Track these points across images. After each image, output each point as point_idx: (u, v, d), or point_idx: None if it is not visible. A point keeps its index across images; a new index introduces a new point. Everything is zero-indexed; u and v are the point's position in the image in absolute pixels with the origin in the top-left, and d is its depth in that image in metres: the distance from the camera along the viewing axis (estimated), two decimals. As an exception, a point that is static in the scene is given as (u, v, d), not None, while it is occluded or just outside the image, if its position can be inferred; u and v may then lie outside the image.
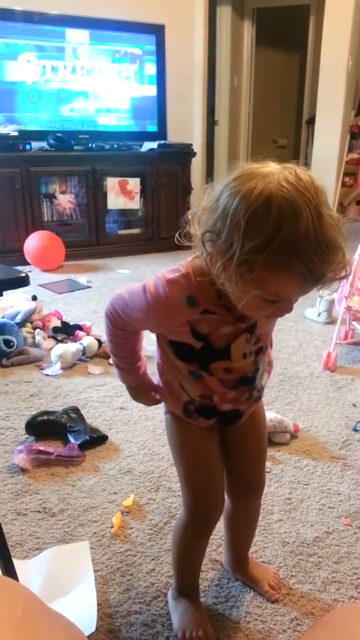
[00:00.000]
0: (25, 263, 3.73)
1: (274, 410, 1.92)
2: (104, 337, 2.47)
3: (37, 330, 2.52)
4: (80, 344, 2.39)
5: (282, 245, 0.67)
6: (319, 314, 2.88)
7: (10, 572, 1.13)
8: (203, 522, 1.06)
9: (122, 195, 4.22)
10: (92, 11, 4.08)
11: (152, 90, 4.46)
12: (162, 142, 4.35)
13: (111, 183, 4.15)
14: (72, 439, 1.73)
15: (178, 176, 4.42)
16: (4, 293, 1.24)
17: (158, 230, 4.42)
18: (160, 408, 1.05)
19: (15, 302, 2.71)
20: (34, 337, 2.50)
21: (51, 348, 2.40)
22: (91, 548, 1.33)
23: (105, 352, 2.38)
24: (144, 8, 4.32)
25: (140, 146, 4.36)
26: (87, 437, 1.73)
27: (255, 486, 1.12)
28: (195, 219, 0.79)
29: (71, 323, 2.64)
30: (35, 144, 3.91)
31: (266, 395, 2.08)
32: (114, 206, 4.24)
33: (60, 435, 1.77)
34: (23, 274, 1.20)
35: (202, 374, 0.92)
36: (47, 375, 2.24)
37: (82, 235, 4.19)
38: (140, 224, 4.43)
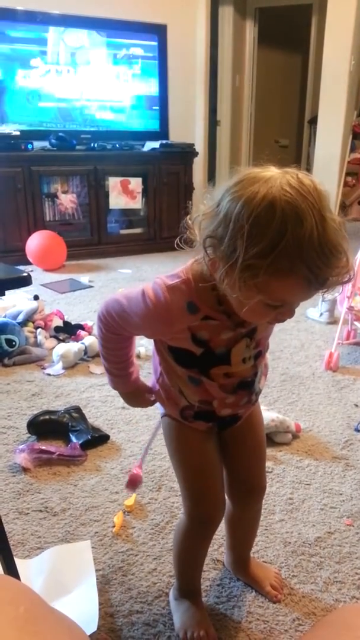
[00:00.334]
0: (27, 263, 3.73)
1: (275, 410, 1.92)
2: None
3: (39, 329, 2.52)
4: (82, 343, 2.39)
5: (287, 250, 0.67)
6: (321, 314, 2.88)
7: (12, 571, 1.13)
8: (204, 525, 1.06)
9: (124, 195, 4.22)
10: (95, 11, 4.08)
11: (154, 90, 4.46)
12: (164, 141, 4.35)
13: (113, 183, 4.16)
14: (73, 439, 1.73)
15: (180, 176, 4.42)
16: (6, 292, 1.25)
17: (160, 230, 4.42)
18: (160, 407, 1.05)
19: (17, 302, 2.71)
20: (35, 337, 2.50)
21: (53, 347, 2.40)
22: (93, 547, 1.33)
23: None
24: (146, 8, 4.32)
25: (142, 146, 4.36)
26: (89, 437, 1.73)
27: (256, 489, 1.12)
28: (195, 224, 0.78)
29: (73, 323, 2.64)
30: (37, 144, 3.91)
31: (268, 395, 2.08)
32: (115, 206, 4.24)
33: (62, 434, 1.77)
34: (25, 274, 1.20)
35: (202, 379, 0.91)
36: (49, 374, 2.25)
37: (84, 235, 4.19)
38: (142, 224, 4.43)
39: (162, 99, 4.50)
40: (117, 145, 4.16)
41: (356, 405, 2.04)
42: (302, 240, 0.66)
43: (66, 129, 4.13)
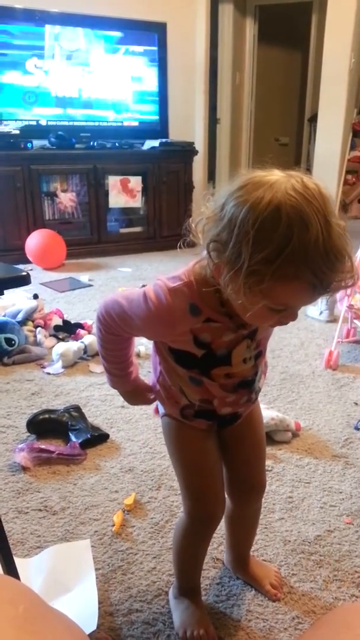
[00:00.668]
0: (27, 261, 3.73)
1: (275, 409, 1.92)
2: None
3: (39, 328, 2.52)
4: (82, 342, 2.39)
5: (293, 256, 0.66)
6: (321, 312, 2.88)
7: (12, 571, 1.13)
8: (204, 524, 1.06)
9: (123, 193, 4.21)
10: (94, 9, 4.07)
11: (153, 88, 4.45)
12: (164, 140, 4.35)
13: (113, 181, 4.15)
14: (73, 438, 1.73)
15: (180, 174, 4.41)
16: (5, 292, 1.24)
17: (159, 228, 4.42)
18: (159, 407, 1.05)
19: (16, 301, 2.71)
20: (35, 336, 2.50)
21: (52, 346, 2.40)
22: (92, 546, 1.33)
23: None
24: (146, 6, 4.32)
25: (142, 144, 4.35)
26: (89, 436, 1.73)
27: (256, 487, 1.12)
28: (199, 227, 0.77)
29: (72, 321, 2.64)
30: (37, 142, 3.91)
31: (268, 394, 2.08)
32: (115, 204, 4.24)
33: (62, 433, 1.77)
34: (24, 273, 1.20)
35: (202, 379, 0.91)
36: (49, 373, 2.25)
37: (84, 233, 4.19)
38: (141, 223, 4.43)
39: (162, 97, 4.50)
40: (117, 144, 4.16)
41: (356, 404, 2.04)
42: (307, 245, 0.66)
43: (66, 127, 4.12)
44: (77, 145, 4.04)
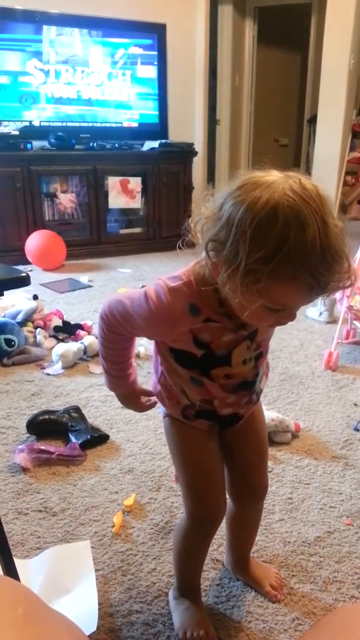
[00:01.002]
0: (27, 262, 3.73)
1: (275, 410, 1.92)
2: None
3: (38, 329, 2.52)
4: (82, 343, 2.39)
5: (289, 256, 0.67)
6: (321, 313, 2.88)
7: (12, 572, 1.13)
8: (204, 524, 1.06)
9: (123, 194, 4.22)
10: (94, 10, 4.08)
11: (153, 89, 4.46)
12: (163, 141, 4.35)
13: (112, 182, 4.15)
14: (73, 439, 1.73)
15: (179, 175, 4.42)
16: (5, 292, 1.25)
17: (159, 229, 4.42)
18: (160, 408, 1.05)
19: (16, 302, 2.71)
20: (35, 337, 2.50)
21: (52, 347, 2.40)
22: (92, 547, 1.33)
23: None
24: (145, 7, 4.32)
25: (142, 145, 4.36)
26: (88, 437, 1.73)
27: (258, 488, 1.12)
28: (198, 227, 0.78)
29: (72, 322, 2.64)
30: (37, 143, 3.91)
31: (267, 395, 2.07)
32: (115, 205, 4.24)
33: (62, 434, 1.77)
34: (24, 274, 1.20)
35: (203, 380, 0.92)
36: (48, 374, 2.24)
37: (83, 234, 4.19)
38: (141, 224, 4.43)
39: (162, 98, 4.50)
40: (117, 145, 4.16)
41: (355, 405, 2.04)
42: (304, 246, 0.67)
43: (65, 128, 4.12)
44: (76, 146, 4.04)
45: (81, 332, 2.52)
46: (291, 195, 0.68)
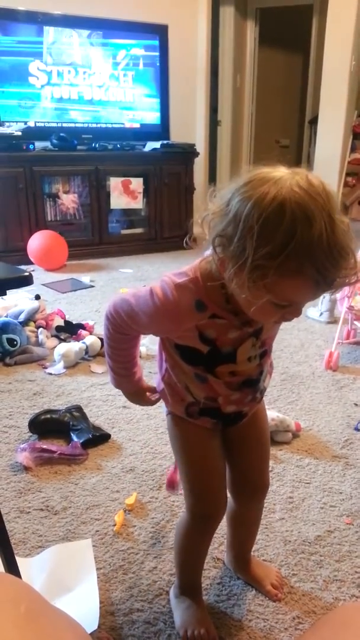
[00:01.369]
0: (29, 262, 3.74)
1: (275, 410, 1.92)
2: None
3: (41, 329, 2.53)
4: (83, 342, 2.39)
5: (296, 252, 0.67)
6: (321, 314, 2.88)
7: (14, 570, 1.13)
8: (205, 522, 1.07)
9: (125, 195, 4.22)
10: (96, 11, 4.09)
11: (155, 90, 4.46)
12: (165, 142, 4.36)
13: (114, 183, 4.16)
14: (75, 438, 1.73)
15: (181, 176, 4.42)
16: (8, 292, 1.25)
17: (161, 230, 4.43)
18: (163, 407, 1.05)
19: (18, 301, 2.72)
20: (37, 336, 2.50)
21: (54, 347, 2.41)
22: (94, 546, 1.33)
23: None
24: (147, 8, 4.33)
25: (143, 146, 4.36)
26: (90, 436, 1.74)
27: (259, 487, 1.13)
28: (205, 222, 0.78)
29: (74, 322, 2.65)
30: (39, 144, 3.92)
31: (268, 395, 2.08)
32: (116, 206, 4.25)
33: (63, 433, 1.78)
34: (26, 273, 1.21)
35: (207, 377, 0.92)
36: (50, 374, 2.25)
37: (85, 234, 4.20)
38: (143, 224, 4.44)
39: (163, 99, 4.51)
40: (118, 146, 4.16)
41: (356, 405, 2.04)
42: (311, 241, 0.67)
43: (67, 128, 4.13)
44: (78, 147, 4.05)
45: (83, 332, 2.53)
46: (298, 191, 0.68)
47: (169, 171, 4.34)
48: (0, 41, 3.83)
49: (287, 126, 6.51)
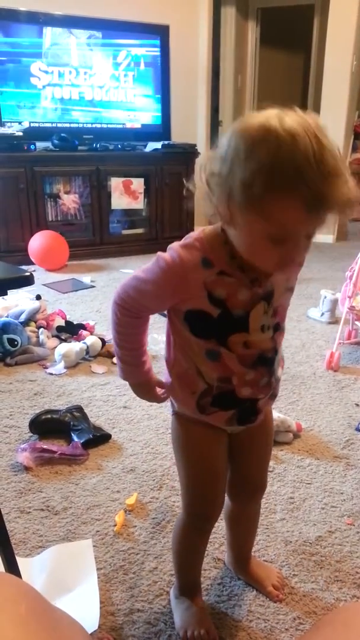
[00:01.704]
0: (30, 262, 3.75)
1: (276, 410, 1.92)
2: (107, 337, 2.48)
3: (41, 329, 2.53)
4: (84, 343, 2.39)
5: (282, 165, 0.68)
6: (322, 314, 2.88)
7: (14, 570, 1.13)
8: (201, 521, 1.06)
9: (126, 195, 4.23)
10: (97, 12, 4.09)
11: (156, 91, 4.47)
12: (166, 142, 4.36)
13: (115, 183, 4.16)
14: (75, 438, 1.73)
15: (182, 176, 4.41)
16: (9, 292, 1.25)
17: (162, 230, 4.43)
18: (164, 407, 1.05)
19: (19, 301, 2.72)
20: (38, 336, 2.51)
21: (55, 347, 2.41)
22: (94, 546, 1.33)
23: (108, 351, 2.38)
24: (149, 9, 4.33)
25: (144, 146, 4.37)
26: (91, 436, 1.74)
27: (258, 488, 1.12)
28: (202, 169, 0.79)
29: (75, 322, 2.65)
30: (40, 144, 3.92)
31: (269, 395, 2.08)
32: (117, 206, 4.25)
33: (64, 433, 1.78)
34: (27, 273, 1.20)
35: (220, 351, 0.89)
36: (51, 374, 2.25)
37: (86, 235, 4.20)
38: (143, 224, 4.44)
39: (165, 100, 4.51)
40: (119, 146, 4.17)
41: (357, 405, 2.04)
42: (297, 154, 0.68)
43: (68, 129, 4.13)
44: (79, 147, 4.05)
45: (84, 332, 2.53)
46: (285, 117, 0.70)
47: (170, 171, 4.34)
48: (2, 42, 3.84)
49: (288, 126, 6.50)
